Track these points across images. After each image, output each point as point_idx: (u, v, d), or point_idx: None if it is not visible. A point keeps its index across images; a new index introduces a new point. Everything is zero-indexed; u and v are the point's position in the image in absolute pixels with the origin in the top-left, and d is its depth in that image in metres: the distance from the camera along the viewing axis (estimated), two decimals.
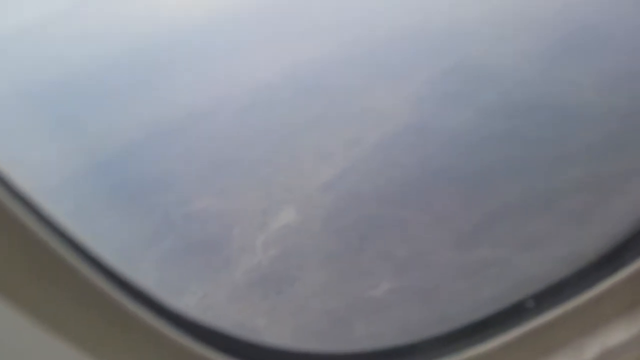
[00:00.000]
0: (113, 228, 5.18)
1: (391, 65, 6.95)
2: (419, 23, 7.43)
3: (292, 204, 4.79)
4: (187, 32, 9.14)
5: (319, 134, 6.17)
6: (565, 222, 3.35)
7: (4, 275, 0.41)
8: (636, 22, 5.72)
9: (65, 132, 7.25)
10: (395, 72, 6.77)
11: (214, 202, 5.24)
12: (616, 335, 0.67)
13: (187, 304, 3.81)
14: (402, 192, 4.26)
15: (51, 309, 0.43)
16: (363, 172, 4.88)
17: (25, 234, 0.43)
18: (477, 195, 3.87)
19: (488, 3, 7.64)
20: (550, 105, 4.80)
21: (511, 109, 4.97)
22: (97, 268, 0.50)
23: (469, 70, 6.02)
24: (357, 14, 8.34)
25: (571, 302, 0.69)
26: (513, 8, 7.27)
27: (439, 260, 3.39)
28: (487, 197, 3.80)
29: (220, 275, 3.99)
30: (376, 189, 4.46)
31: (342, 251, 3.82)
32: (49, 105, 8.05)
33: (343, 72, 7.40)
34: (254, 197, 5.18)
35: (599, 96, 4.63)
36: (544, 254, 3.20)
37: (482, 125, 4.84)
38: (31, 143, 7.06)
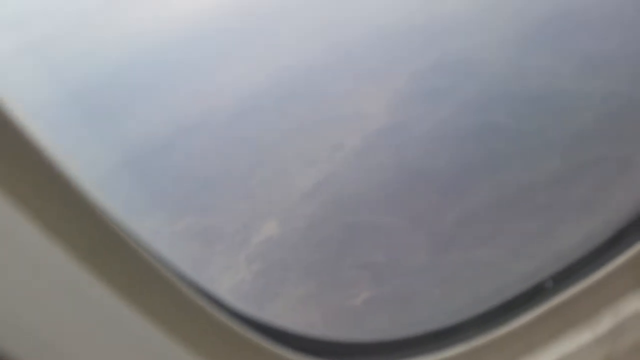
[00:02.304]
0: None
1: (371, 67, 6.92)
2: (397, 22, 7.39)
3: (275, 216, 4.77)
4: (169, 45, 9.15)
5: (303, 140, 6.15)
6: (542, 218, 3.31)
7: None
8: (610, 7, 5.65)
9: None
10: (375, 73, 6.74)
11: (198, 220, 5.23)
12: (629, 307, 0.72)
13: None
14: (381, 197, 4.23)
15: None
16: (344, 178, 4.85)
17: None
18: (454, 195, 3.83)
19: None
20: (528, 96, 4.75)
21: (489, 103, 4.93)
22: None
23: (448, 66, 5.98)
24: (336, 18, 8.30)
25: (586, 281, 0.74)
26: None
27: (416, 265, 3.35)
28: (465, 196, 3.76)
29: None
30: (356, 195, 4.43)
31: (322, 262, 3.79)
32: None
33: (325, 76, 7.37)
34: (238, 211, 5.17)
35: (575, 84, 4.58)
36: (521, 252, 3.16)
37: (460, 122, 4.80)
38: None
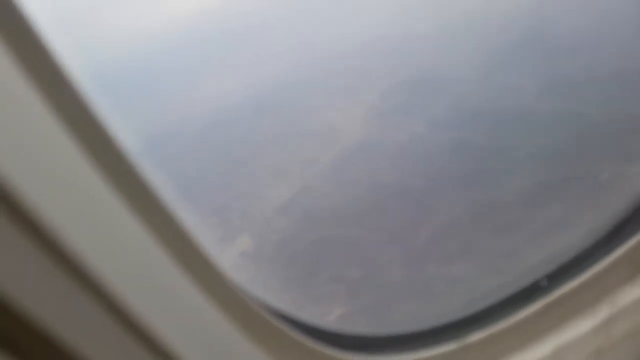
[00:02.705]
0: None
1: (346, 82, 6.99)
2: (372, 40, 7.51)
3: (248, 230, 4.74)
4: (143, 54, 9.07)
5: (277, 154, 6.16)
6: (512, 235, 3.38)
7: None
8: (578, 31, 5.87)
9: None
10: (350, 88, 6.81)
11: None
12: (624, 297, 0.77)
13: None
14: (354, 211, 4.25)
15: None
16: (317, 192, 4.87)
17: None
18: (426, 210, 3.88)
19: (439, 15, 7.77)
20: (497, 113, 4.87)
21: (460, 120, 5.03)
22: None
23: (420, 83, 6.09)
24: (313, 35, 8.37)
25: (582, 276, 0.79)
26: (464, 19, 7.41)
27: (390, 279, 3.38)
28: (436, 211, 3.82)
29: None
30: (329, 209, 4.45)
31: (295, 277, 3.78)
32: None
33: (301, 90, 7.41)
34: (211, 225, 5.12)
35: (543, 102, 4.72)
36: (490, 268, 3.21)
37: (431, 138, 4.88)
38: None
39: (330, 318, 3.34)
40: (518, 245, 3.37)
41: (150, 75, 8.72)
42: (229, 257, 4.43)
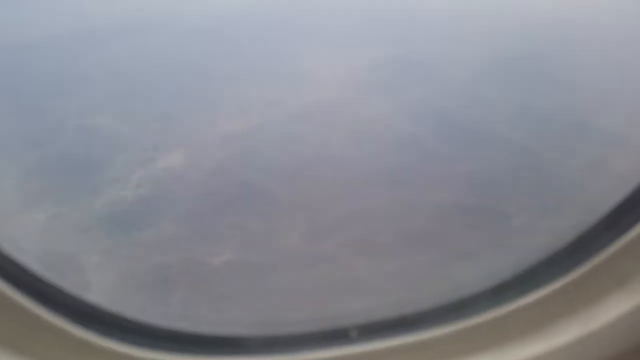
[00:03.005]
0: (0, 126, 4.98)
1: (344, 41, 6.82)
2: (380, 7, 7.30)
3: (186, 148, 4.70)
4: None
5: (249, 86, 6.01)
6: (433, 255, 3.39)
7: None
8: (551, 65, 5.75)
9: None
10: (344, 47, 6.65)
11: (111, 122, 5.06)
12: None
13: (35, 219, 3.73)
14: (289, 168, 4.23)
15: None
16: (266, 136, 4.82)
17: None
18: (346, 192, 3.89)
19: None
20: (462, 125, 4.82)
21: (425, 115, 4.99)
22: None
23: (408, 65, 5.96)
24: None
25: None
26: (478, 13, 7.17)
27: (286, 246, 3.42)
28: (355, 197, 3.83)
29: (80, 200, 3.90)
30: (267, 157, 4.43)
31: (205, 211, 3.80)
32: None
33: (294, 33, 7.23)
34: (154, 129, 5.05)
35: (501, 130, 4.68)
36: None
37: (392, 123, 4.84)
38: None
39: (216, 261, 3.39)
40: (437, 266, 3.37)
41: None
42: (155, 166, 4.40)
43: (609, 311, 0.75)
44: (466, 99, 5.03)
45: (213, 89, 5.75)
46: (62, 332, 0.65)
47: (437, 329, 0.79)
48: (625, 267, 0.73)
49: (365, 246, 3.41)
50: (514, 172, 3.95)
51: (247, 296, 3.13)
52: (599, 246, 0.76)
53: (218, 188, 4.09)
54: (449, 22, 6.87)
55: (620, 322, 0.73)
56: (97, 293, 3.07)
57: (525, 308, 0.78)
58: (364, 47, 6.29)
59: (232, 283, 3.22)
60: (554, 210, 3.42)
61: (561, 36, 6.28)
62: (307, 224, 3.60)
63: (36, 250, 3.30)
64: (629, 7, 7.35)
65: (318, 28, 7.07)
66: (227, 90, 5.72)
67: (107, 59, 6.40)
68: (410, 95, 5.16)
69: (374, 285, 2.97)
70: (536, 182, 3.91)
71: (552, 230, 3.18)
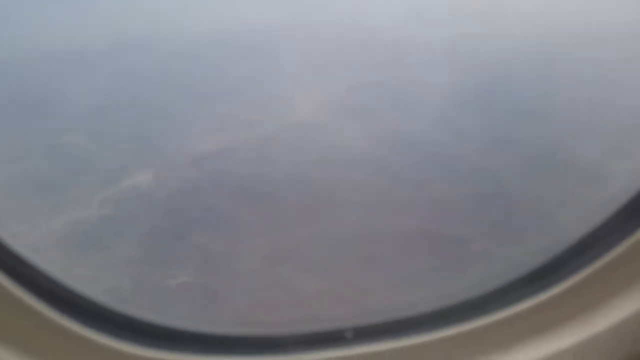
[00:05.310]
0: None
1: (322, 64, 6.89)
2: (361, 28, 7.40)
3: (156, 168, 4.67)
4: None
5: (224, 105, 6.05)
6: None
7: None
8: (525, 94, 5.82)
9: None
10: (323, 70, 6.72)
11: (84, 142, 5.05)
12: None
13: None
14: (258, 192, 4.22)
15: None
16: (238, 158, 4.82)
17: None
18: (312, 218, 3.86)
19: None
20: (431, 151, 4.84)
21: (395, 140, 5.03)
22: None
23: (383, 91, 6.02)
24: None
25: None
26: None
27: (245, 267, 3.37)
28: (317, 223, 3.80)
29: (39, 220, 3.84)
30: (236, 181, 4.41)
31: (166, 232, 3.75)
32: None
33: (270, 57, 7.30)
34: (126, 148, 5.03)
35: (471, 158, 4.69)
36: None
37: (362, 147, 4.86)
38: None
39: (172, 283, 3.33)
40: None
41: None
42: (121, 185, 4.35)
43: (611, 315, 0.74)
44: (438, 125, 5.07)
45: (189, 111, 5.76)
46: (64, 329, 0.66)
47: (429, 334, 0.78)
48: (627, 272, 0.72)
49: (321, 270, 3.37)
50: (479, 199, 3.94)
51: (198, 319, 3.07)
52: (602, 251, 0.75)
53: (183, 209, 4.05)
54: (427, 49, 6.95)
55: (622, 326, 0.74)
56: None
57: (527, 312, 0.78)
58: (341, 73, 6.36)
59: (186, 305, 3.16)
60: (515, 238, 3.40)
61: (537, 68, 6.39)
62: (268, 247, 3.55)
63: None
64: (611, 41, 7.49)
65: (297, 53, 7.15)
66: (202, 111, 5.73)
67: (86, 80, 6.43)
68: (383, 120, 5.20)
69: (324, 309, 2.92)
70: (501, 210, 3.89)
71: (510, 257, 3.16)
